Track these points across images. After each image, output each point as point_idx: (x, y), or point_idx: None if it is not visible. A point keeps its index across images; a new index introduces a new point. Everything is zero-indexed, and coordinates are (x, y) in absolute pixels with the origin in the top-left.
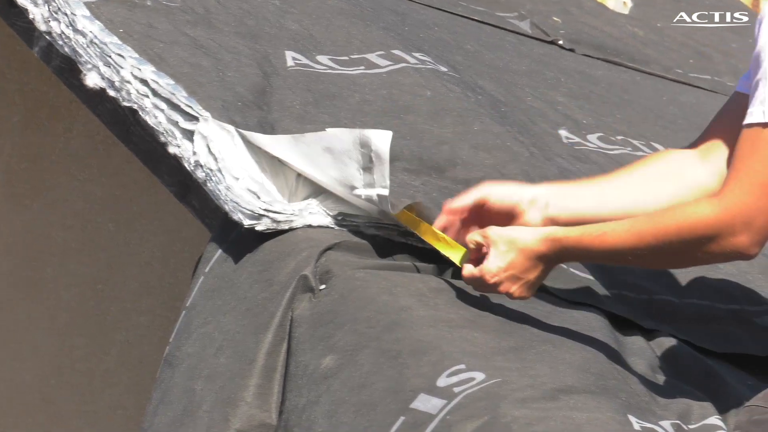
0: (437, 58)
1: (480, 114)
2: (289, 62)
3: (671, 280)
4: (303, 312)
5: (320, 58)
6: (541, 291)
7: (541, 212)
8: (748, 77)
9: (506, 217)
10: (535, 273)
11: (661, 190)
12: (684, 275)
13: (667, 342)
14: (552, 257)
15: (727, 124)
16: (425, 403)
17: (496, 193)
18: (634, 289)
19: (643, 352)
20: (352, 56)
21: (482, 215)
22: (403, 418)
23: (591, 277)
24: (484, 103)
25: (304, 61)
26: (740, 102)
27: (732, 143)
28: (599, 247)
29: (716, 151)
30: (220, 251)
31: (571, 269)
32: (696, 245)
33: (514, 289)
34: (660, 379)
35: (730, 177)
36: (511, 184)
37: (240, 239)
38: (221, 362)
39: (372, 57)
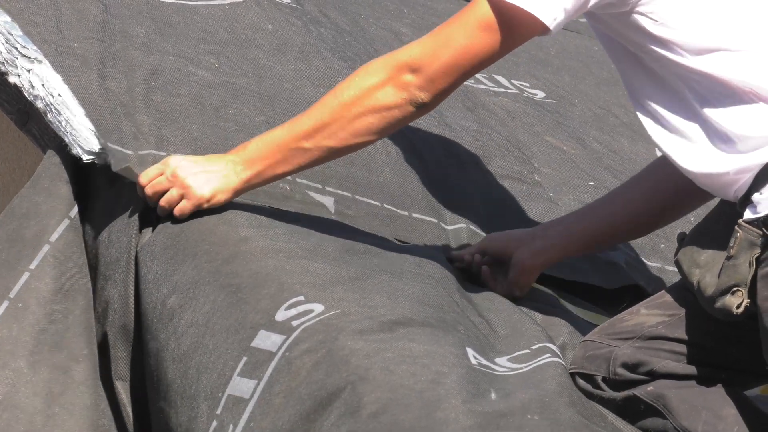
0: None
1: (322, 49)
2: None
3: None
4: (145, 247)
5: None
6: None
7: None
8: None
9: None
10: (216, 165)
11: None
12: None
13: None
14: (232, 154)
15: None
16: (265, 340)
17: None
18: (479, 227)
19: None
20: None
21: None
22: (246, 358)
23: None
24: (327, 37)
25: None
26: None
27: None
28: (282, 132)
29: None
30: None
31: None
32: (374, 89)
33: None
34: (499, 309)
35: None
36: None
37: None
38: None
39: None
